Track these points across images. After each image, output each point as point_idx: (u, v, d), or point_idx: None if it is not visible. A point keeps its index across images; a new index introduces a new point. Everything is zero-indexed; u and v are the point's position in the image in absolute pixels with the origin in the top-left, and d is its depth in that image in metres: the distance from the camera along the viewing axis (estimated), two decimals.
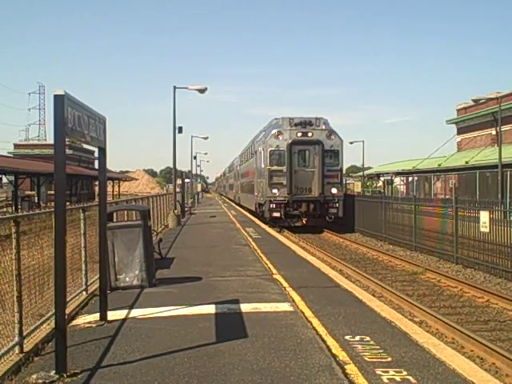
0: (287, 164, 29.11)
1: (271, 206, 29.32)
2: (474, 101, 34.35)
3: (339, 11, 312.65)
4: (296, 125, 29.62)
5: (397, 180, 55.05)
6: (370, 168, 72.26)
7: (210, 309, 8.79)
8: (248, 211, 39.60)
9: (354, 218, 30.23)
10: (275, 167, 29.50)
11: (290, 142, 29.23)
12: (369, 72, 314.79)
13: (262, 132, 34.50)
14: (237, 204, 53.70)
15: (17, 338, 6.29)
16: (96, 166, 55.39)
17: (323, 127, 29.91)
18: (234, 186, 61.78)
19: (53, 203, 6.25)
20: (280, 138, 29.61)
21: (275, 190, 29.24)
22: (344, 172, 33.88)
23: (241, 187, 49.05)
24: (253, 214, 35.72)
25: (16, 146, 75.70)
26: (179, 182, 42.08)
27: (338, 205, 29.34)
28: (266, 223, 29.40)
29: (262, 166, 30.55)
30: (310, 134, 29.55)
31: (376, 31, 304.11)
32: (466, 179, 39.59)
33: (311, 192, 29.31)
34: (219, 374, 5.78)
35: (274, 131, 30.12)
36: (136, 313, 8.68)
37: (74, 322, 8.17)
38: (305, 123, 29.69)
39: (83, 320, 8.27)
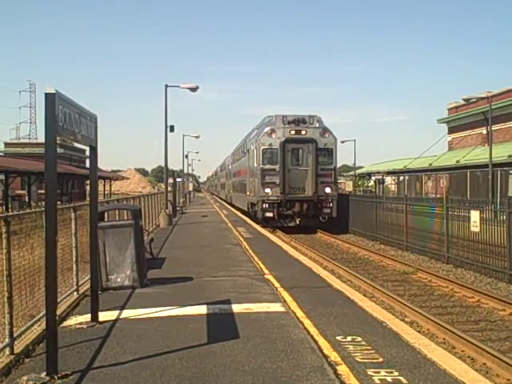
0: (280, 163, 28.51)
1: (264, 205, 28.69)
2: (464, 100, 34.50)
3: (332, 10, 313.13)
4: (289, 123, 29.04)
5: (388, 179, 55.21)
6: (361, 167, 72.42)
7: (202, 309, 8.78)
8: (240, 211, 39.09)
9: (348, 218, 29.64)
10: (268, 166, 28.92)
11: (283, 140, 28.65)
12: (361, 71, 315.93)
13: (255, 130, 33.77)
14: (229, 203, 53.32)
15: (7, 340, 6.25)
16: (87, 165, 55.15)
17: (317, 125, 29.32)
18: (225, 186, 61.36)
19: (44, 202, 6.22)
20: (273, 136, 29.04)
21: (268, 190, 28.62)
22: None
23: (233, 186, 48.49)
24: (245, 213, 35.31)
25: (6, 144, 75.17)
26: (171, 181, 42.00)
27: (331, 204, 28.75)
28: (258, 223, 29.03)
29: (255, 164, 29.96)
30: (303, 132, 28.96)
31: (369, 30, 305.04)
32: (456, 178, 39.79)
33: (305, 191, 28.72)
34: (211, 375, 5.77)
35: (267, 129, 29.51)
36: (127, 313, 8.65)
37: (65, 323, 8.13)
38: (298, 121, 29.07)
39: (74, 321, 8.24)
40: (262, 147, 29.13)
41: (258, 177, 29.06)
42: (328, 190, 28.77)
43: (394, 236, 23.43)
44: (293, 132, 28.93)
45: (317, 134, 29.00)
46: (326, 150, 29.21)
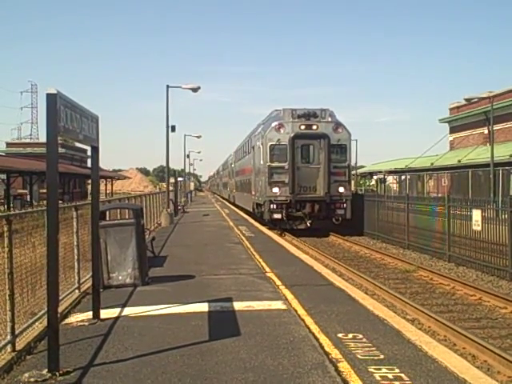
0: (289, 160, 26.04)
1: (271, 206, 26.30)
2: (466, 100, 34.45)
3: (332, 11, 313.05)
4: (299, 116, 26.57)
5: (389, 179, 55.19)
6: (362, 166, 72.36)
7: (203, 307, 8.80)
8: (243, 211, 37.63)
9: (362, 219, 27.42)
10: (276, 163, 26.50)
11: (292, 135, 26.17)
12: (362, 71, 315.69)
13: (261, 125, 31.18)
14: (231, 203, 52.43)
15: (9, 337, 6.27)
16: (89, 165, 55.19)
17: (329, 119, 26.83)
18: (228, 185, 60.10)
19: (45, 202, 6.24)
20: (281, 131, 26.60)
21: (276, 189, 26.29)
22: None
23: (236, 186, 46.96)
24: (248, 213, 34.11)
25: (8, 144, 75.43)
26: (172, 180, 42.04)
27: (345, 205, 26.35)
28: (262, 224, 27.66)
29: (261, 162, 27.59)
30: (314, 127, 26.48)
31: (369, 31, 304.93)
32: (458, 178, 39.75)
33: (316, 191, 26.29)
34: (212, 372, 5.78)
35: (275, 124, 27.02)
36: (129, 311, 8.67)
37: (67, 321, 8.16)
38: (309, 115, 26.59)
39: (76, 318, 8.26)
40: (270, 143, 26.74)
41: (265, 175, 26.73)
42: (341, 189, 26.42)
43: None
44: (303, 127, 26.49)
45: (329, 129, 26.55)
46: (339, 147, 26.75)
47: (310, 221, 26.37)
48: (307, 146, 26.67)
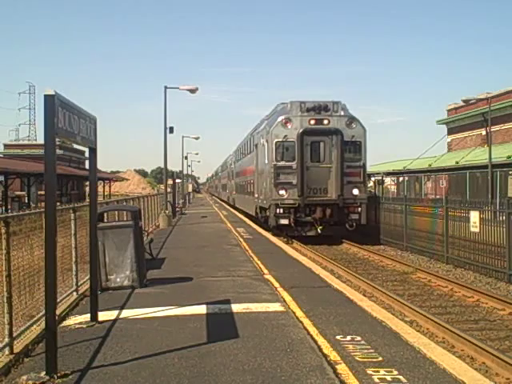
0: (297, 159, 23.57)
1: (278, 210, 23.76)
2: (464, 101, 34.50)
3: (331, 12, 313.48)
4: (308, 110, 23.94)
5: (387, 180, 55.17)
6: None
7: (202, 309, 8.79)
8: (244, 214, 35.79)
9: (379, 225, 25.30)
10: (282, 163, 23.97)
11: (300, 131, 23.65)
12: (360, 72, 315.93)
13: (265, 121, 28.52)
14: (231, 206, 50.93)
15: (6, 339, 6.25)
16: (87, 167, 55.11)
17: (342, 113, 24.23)
18: (227, 186, 58.47)
19: (43, 203, 6.23)
20: (288, 126, 24.03)
21: (283, 192, 23.75)
22: None
23: (236, 188, 44.70)
24: (249, 216, 32.67)
25: (6, 146, 75.17)
26: (170, 182, 42.01)
27: (360, 209, 23.92)
28: (261, 226, 26.36)
29: (266, 161, 25.01)
30: (325, 122, 23.91)
31: (368, 31, 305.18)
32: (456, 179, 39.78)
33: (327, 193, 23.82)
34: (210, 375, 5.77)
35: (281, 118, 24.33)
36: (127, 313, 8.66)
37: (65, 323, 8.14)
38: (319, 108, 23.94)
39: (74, 321, 8.24)
40: (276, 140, 24.08)
41: (271, 176, 24.08)
42: (356, 191, 23.95)
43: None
44: (313, 121, 23.93)
45: (342, 124, 24.01)
46: (354, 144, 24.22)
47: (320, 227, 23.76)
48: (317, 143, 24.10)
